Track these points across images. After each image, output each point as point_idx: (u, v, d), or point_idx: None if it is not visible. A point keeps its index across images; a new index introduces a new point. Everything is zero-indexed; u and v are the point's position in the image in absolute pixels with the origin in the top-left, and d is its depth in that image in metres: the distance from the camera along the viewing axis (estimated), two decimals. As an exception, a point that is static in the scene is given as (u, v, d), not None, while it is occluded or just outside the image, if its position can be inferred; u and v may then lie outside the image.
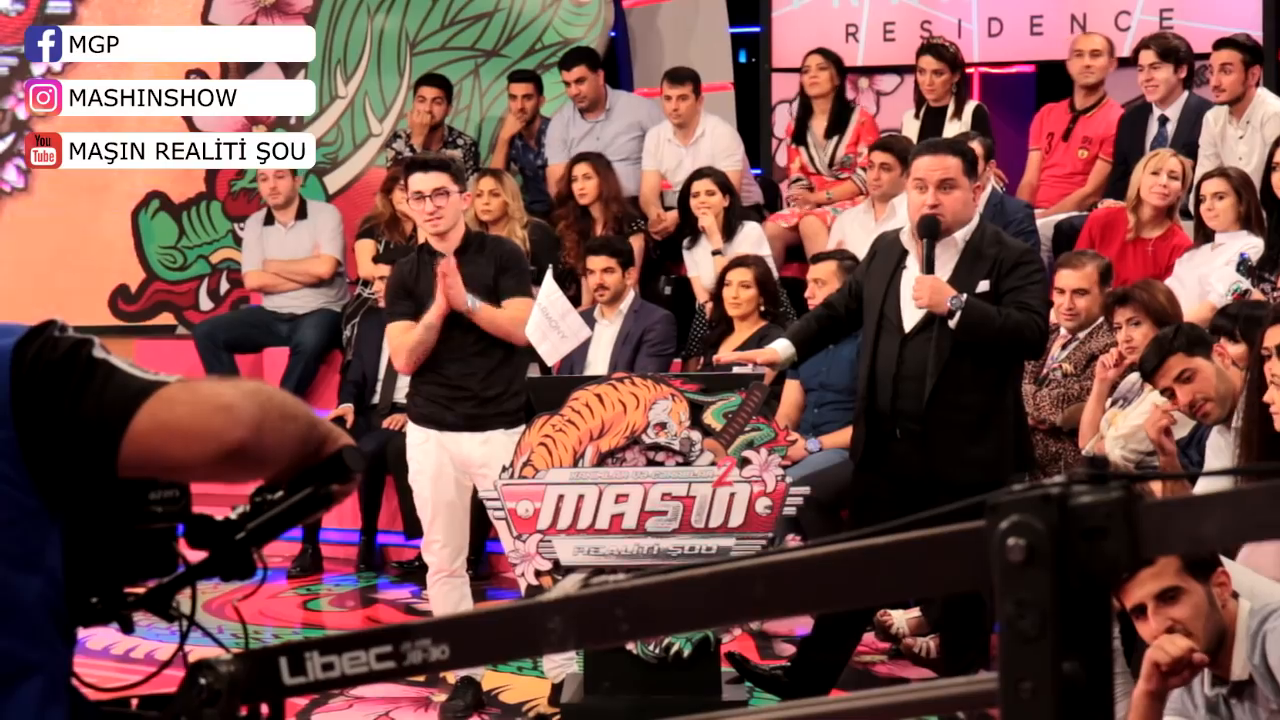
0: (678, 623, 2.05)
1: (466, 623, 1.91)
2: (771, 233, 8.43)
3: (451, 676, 5.92)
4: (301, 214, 9.30)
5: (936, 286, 5.32)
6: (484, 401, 5.75)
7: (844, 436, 6.88)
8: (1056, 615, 1.50)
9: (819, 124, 8.82)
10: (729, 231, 8.13)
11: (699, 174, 8.27)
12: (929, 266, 5.35)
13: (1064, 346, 6.64)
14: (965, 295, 5.31)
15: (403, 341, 5.80)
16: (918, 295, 5.36)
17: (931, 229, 5.36)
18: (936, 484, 5.23)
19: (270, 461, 2.01)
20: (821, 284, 7.12)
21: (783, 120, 9.72)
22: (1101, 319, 6.49)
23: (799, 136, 8.90)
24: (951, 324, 5.31)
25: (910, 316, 5.46)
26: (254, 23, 10.09)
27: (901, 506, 5.21)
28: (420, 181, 5.72)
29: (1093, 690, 1.54)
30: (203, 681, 1.92)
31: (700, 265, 8.25)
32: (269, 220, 9.34)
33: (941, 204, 5.38)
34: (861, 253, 7.19)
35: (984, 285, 5.38)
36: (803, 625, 6.69)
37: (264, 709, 1.97)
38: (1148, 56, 7.92)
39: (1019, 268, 5.42)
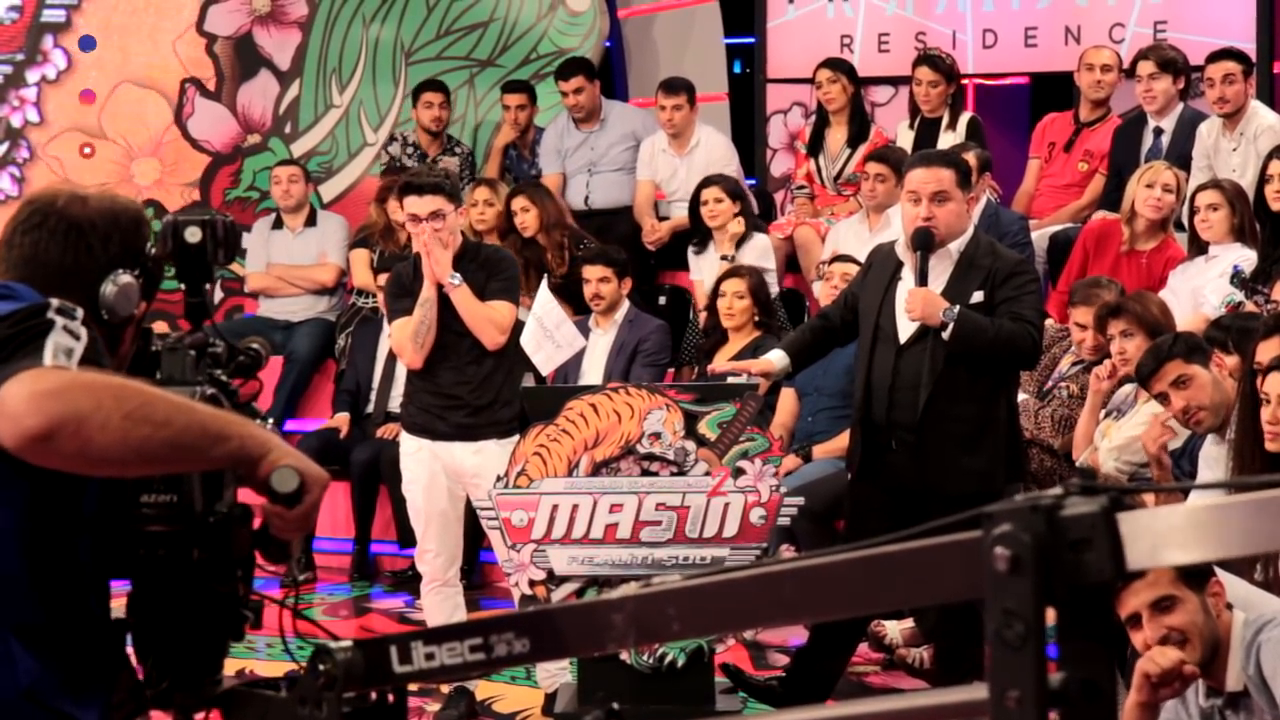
0: (720, 623, 2.14)
1: (543, 618, 1.99)
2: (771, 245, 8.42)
3: (445, 686, 5.91)
4: (311, 222, 9.31)
5: (929, 299, 5.33)
6: (476, 411, 5.74)
7: (838, 445, 6.89)
8: (1040, 625, 1.51)
9: (835, 135, 8.79)
10: (740, 240, 8.10)
11: (708, 181, 8.27)
12: (923, 279, 5.36)
13: (1073, 364, 6.62)
14: (958, 307, 5.31)
15: (404, 333, 5.78)
16: (910, 308, 5.36)
17: (925, 241, 5.37)
18: (931, 494, 5.24)
19: (98, 458, 2.07)
20: (850, 279, 7.04)
21: (777, 131, 9.73)
22: None
23: (814, 146, 8.87)
24: (945, 336, 5.32)
25: (905, 328, 5.46)
26: (249, 31, 10.10)
27: (896, 517, 5.22)
28: (416, 205, 5.69)
29: (1091, 703, 1.54)
30: (321, 667, 2.00)
31: (705, 271, 8.24)
32: (277, 224, 9.36)
33: (935, 216, 5.38)
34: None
35: (978, 296, 5.39)
36: (796, 635, 6.69)
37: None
38: (1147, 67, 7.92)
39: (1013, 278, 5.43)
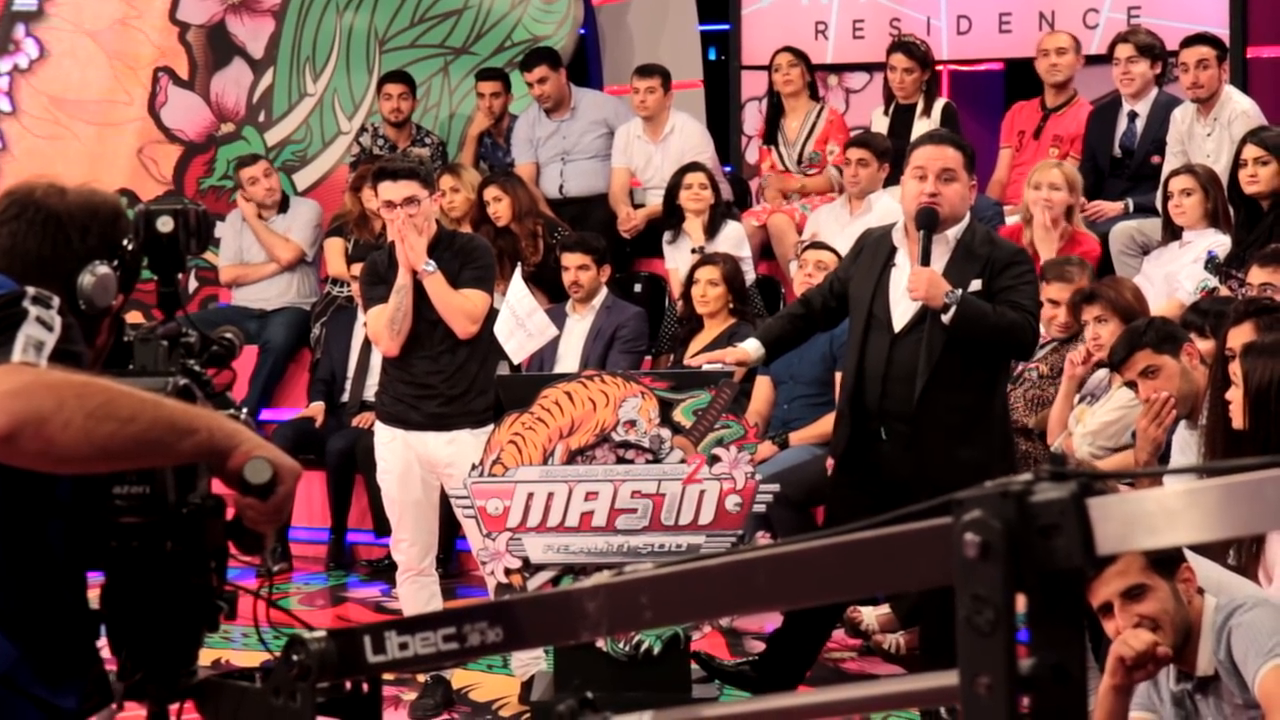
0: (693, 611, 2.15)
1: (517, 607, 1.99)
2: (745, 232, 8.44)
3: (422, 675, 5.91)
4: (283, 208, 9.32)
5: (933, 279, 5.17)
6: (450, 400, 5.73)
7: (815, 431, 6.90)
8: (1010, 611, 1.51)
9: (791, 123, 8.82)
10: (712, 229, 8.13)
11: (691, 167, 8.29)
12: (925, 259, 5.20)
13: (1040, 347, 6.63)
14: (960, 290, 5.17)
15: (380, 320, 5.75)
16: (913, 287, 5.19)
17: (930, 220, 5.22)
18: (924, 485, 5.10)
19: (63, 457, 2.07)
20: (823, 266, 6.99)
21: (752, 118, 9.73)
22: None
23: (770, 136, 8.91)
24: (946, 318, 5.17)
25: (901, 315, 5.33)
26: (221, 20, 10.06)
27: (882, 509, 5.16)
28: (390, 190, 5.67)
29: (1062, 687, 1.55)
30: (295, 658, 2.00)
31: (679, 261, 8.25)
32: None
33: (940, 194, 5.24)
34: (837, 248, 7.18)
35: (976, 284, 5.24)
36: (773, 621, 6.70)
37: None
38: (1125, 50, 7.94)
39: (1011, 267, 5.30)
